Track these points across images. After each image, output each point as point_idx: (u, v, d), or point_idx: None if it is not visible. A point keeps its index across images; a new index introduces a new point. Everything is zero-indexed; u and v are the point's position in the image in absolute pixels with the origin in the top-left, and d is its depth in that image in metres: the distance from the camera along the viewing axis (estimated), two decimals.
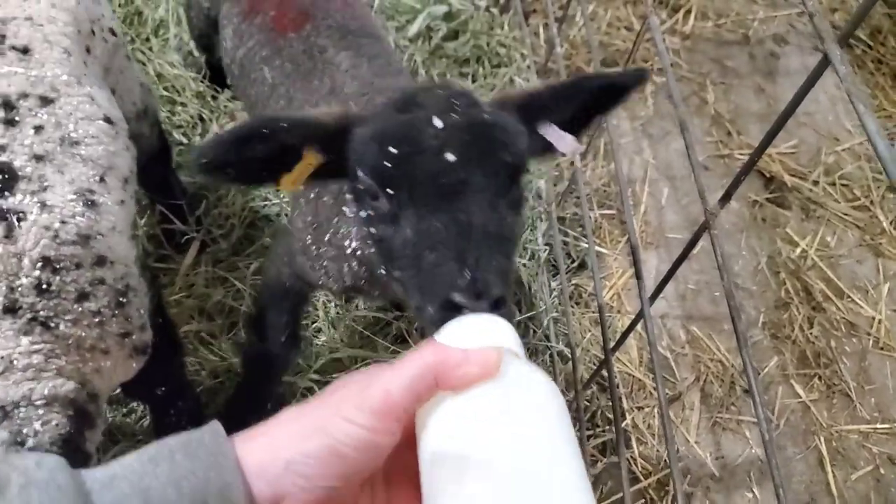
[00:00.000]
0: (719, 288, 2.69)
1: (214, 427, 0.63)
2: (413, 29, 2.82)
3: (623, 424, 2.29)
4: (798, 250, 2.79)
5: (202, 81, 2.59)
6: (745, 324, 2.63)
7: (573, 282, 2.51)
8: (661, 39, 1.59)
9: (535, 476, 0.56)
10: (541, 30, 3.17)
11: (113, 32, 1.66)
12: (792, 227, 2.86)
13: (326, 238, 1.54)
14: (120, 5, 2.72)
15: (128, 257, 1.37)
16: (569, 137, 1.23)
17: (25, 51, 1.35)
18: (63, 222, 1.20)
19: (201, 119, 2.53)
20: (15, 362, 1.12)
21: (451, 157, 1.05)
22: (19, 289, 1.13)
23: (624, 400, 2.39)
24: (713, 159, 3.03)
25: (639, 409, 2.40)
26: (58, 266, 1.18)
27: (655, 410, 2.38)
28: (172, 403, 1.88)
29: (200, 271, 2.26)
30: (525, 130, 1.18)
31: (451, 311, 0.96)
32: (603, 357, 2.41)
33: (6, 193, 1.16)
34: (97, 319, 1.24)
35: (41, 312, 1.15)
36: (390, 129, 1.11)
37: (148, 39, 2.67)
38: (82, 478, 0.57)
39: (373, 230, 1.16)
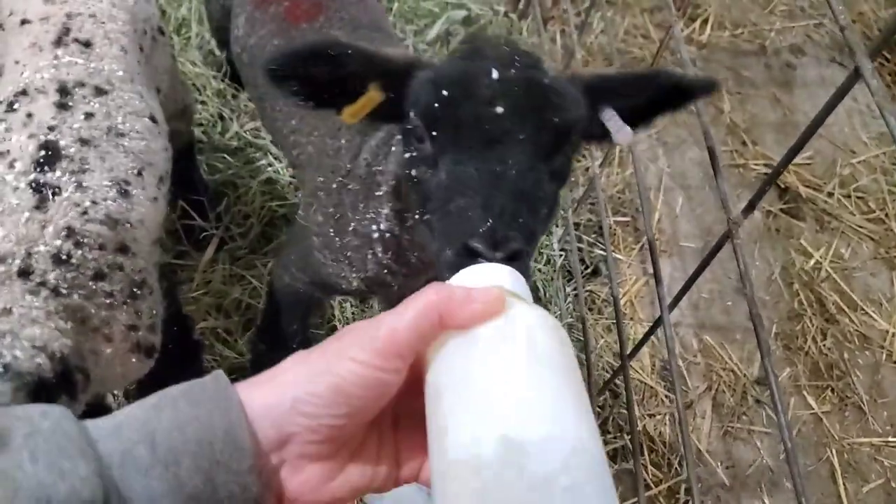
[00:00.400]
0: (732, 297, 2.69)
1: (217, 374, 0.63)
2: (432, 33, 2.84)
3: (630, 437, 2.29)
4: (812, 262, 2.78)
5: (223, 80, 2.61)
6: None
7: (587, 288, 2.52)
8: (685, 49, 1.60)
9: (539, 407, 0.56)
10: (557, 36, 3.18)
11: (161, 31, 1.72)
12: (806, 239, 2.86)
13: (351, 227, 1.55)
14: None
15: (150, 256, 1.40)
16: (626, 128, 1.21)
17: (88, 44, 1.42)
18: (94, 202, 1.26)
19: (221, 117, 2.55)
20: (14, 311, 1.13)
21: (499, 108, 1.05)
22: (36, 255, 1.18)
23: (636, 407, 2.39)
24: (728, 169, 3.03)
25: (650, 416, 2.40)
26: (81, 240, 1.22)
27: (667, 418, 2.39)
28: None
29: (218, 268, 2.28)
30: (584, 103, 1.17)
31: (468, 257, 0.96)
32: (617, 363, 2.42)
33: (46, 168, 1.23)
34: (108, 301, 1.26)
35: (52, 281, 1.18)
36: (447, 73, 1.12)
37: (170, 37, 2.69)
38: (87, 427, 0.57)
39: (413, 172, 1.16)
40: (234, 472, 0.58)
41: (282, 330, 1.86)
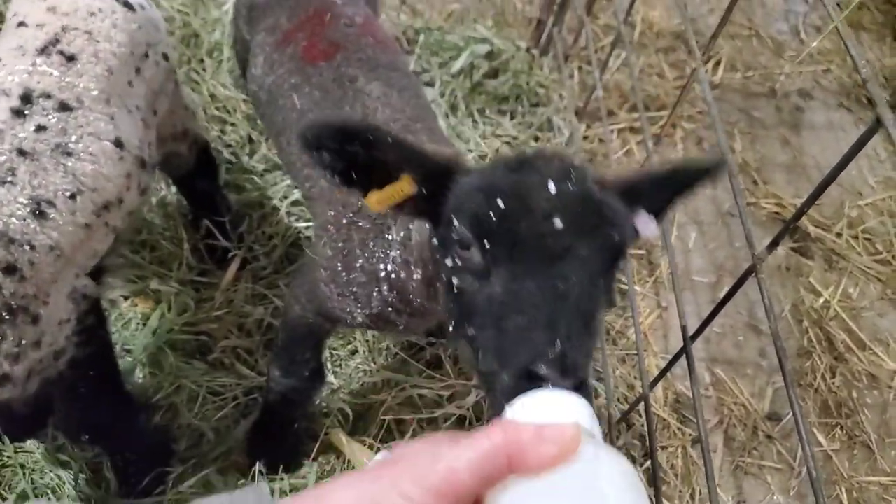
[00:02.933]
0: (744, 332, 2.74)
1: (260, 486, 0.60)
2: (456, 66, 2.92)
3: (647, 465, 2.31)
4: (821, 300, 2.83)
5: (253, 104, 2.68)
6: (768, 369, 2.67)
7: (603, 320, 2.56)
8: (709, 92, 1.67)
9: None
10: (576, 73, 3.27)
11: (166, 57, 1.76)
12: (815, 277, 2.91)
13: (358, 264, 1.55)
14: (178, 27, 2.82)
15: (57, 288, 1.35)
16: (653, 223, 1.21)
17: (72, 58, 1.44)
18: (10, 216, 1.25)
19: (250, 140, 2.62)
20: None
21: (559, 222, 1.01)
22: None
23: (646, 441, 2.41)
24: (737, 207, 3.10)
25: (662, 448, 2.42)
26: (13, 238, 1.22)
27: (679, 451, 2.41)
28: (134, 445, 1.87)
29: (241, 287, 2.32)
30: (629, 214, 1.16)
31: (530, 382, 0.88)
32: (630, 395, 2.45)
33: None
34: None
35: None
36: (502, 183, 1.08)
37: (202, 61, 2.77)
38: None
39: (456, 280, 1.11)
40: None
41: (294, 358, 1.88)
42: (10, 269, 1.24)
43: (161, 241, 2.33)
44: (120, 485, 1.89)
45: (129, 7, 1.61)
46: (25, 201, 1.28)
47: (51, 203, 1.31)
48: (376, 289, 1.54)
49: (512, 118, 2.93)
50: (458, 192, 1.13)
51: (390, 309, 1.56)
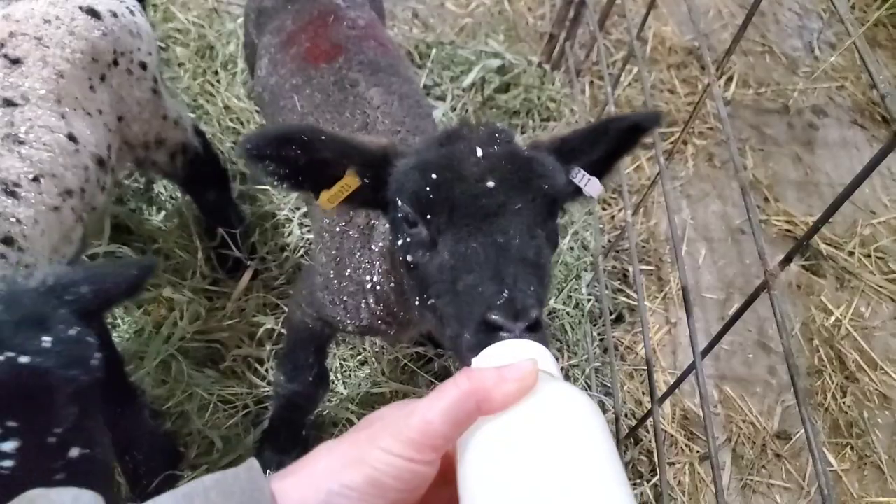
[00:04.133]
0: (753, 350, 2.72)
1: (250, 464, 0.62)
2: (467, 80, 2.94)
3: (655, 480, 2.29)
4: (832, 319, 2.81)
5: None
6: (778, 388, 2.65)
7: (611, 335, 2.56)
8: (723, 108, 1.67)
9: (581, 497, 0.55)
10: (587, 88, 3.29)
11: (143, 67, 1.79)
12: (826, 296, 2.89)
13: (348, 273, 1.57)
14: (193, 39, 2.87)
15: (49, 262, 1.45)
16: (595, 181, 1.26)
17: (16, 61, 1.53)
18: None
19: None
20: None
21: (490, 183, 1.09)
22: None
23: (656, 455, 2.40)
24: (749, 223, 3.09)
25: (670, 464, 2.41)
26: None
27: (686, 467, 2.39)
28: (145, 449, 1.88)
29: (252, 297, 2.33)
30: (562, 170, 1.21)
31: (488, 333, 0.96)
32: (638, 410, 2.44)
33: None
34: None
35: None
36: (433, 157, 1.15)
37: (217, 73, 2.81)
38: None
39: (409, 258, 1.17)
40: None
41: (298, 363, 1.90)
42: (8, 241, 1.35)
43: (175, 250, 2.35)
44: (132, 487, 1.90)
45: (94, 15, 1.66)
46: None
47: (17, 184, 1.42)
48: (363, 300, 1.56)
49: (523, 132, 2.95)
50: (396, 174, 1.19)
51: (379, 322, 1.58)
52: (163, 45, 2.86)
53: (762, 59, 3.74)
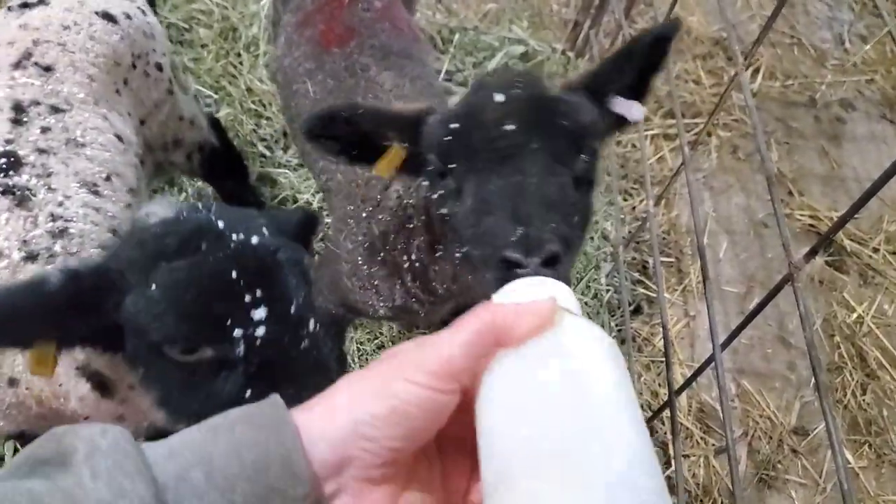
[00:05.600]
0: (772, 344, 2.69)
1: (274, 399, 0.62)
2: (490, 66, 2.92)
3: (669, 472, 2.29)
4: (854, 315, 2.77)
5: None
6: (797, 383, 2.63)
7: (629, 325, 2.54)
8: (749, 98, 1.65)
9: (596, 430, 0.55)
10: None
11: (159, 68, 1.80)
12: (849, 292, 2.85)
13: (380, 256, 1.57)
14: (217, 21, 2.87)
15: None
16: (635, 104, 1.26)
17: (48, 69, 1.53)
18: (67, 197, 1.37)
19: (284, 134, 2.65)
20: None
21: (509, 126, 1.09)
22: (34, 240, 1.29)
23: (671, 447, 2.39)
24: (772, 217, 3.05)
25: (685, 457, 2.40)
26: (69, 219, 1.33)
27: (701, 460, 2.38)
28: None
29: None
30: (591, 106, 1.22)
31: (507, 270, 0.97)
32: (654, 402, 2.43)
33: (12, 173, 1.35)
34: None
35: (59, 250, 1.29)
36: (456, 109, 1.18)
37: (239, 55, 2.81)
38: (143, 449, 0.57)
39: (443, 210, 1.20)
40: (290, 499, 0.57)
41: None
42: (114, 231, 1.41)
43: None
44: None
45: (111, 19, 1.66)
46: (78, 184, 1.41)
47: (95, 184, 1.44)
48: (399, 281, 1.57)
49: None
50: (426, 130, 1.22)
51: (413, 300, 1.59)
52: (186, 26, 2.87)
53: (790, 50, 3.67)
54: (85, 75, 1.56)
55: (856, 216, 1.35)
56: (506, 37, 3.06)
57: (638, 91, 1.28)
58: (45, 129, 1.44)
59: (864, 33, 3.81)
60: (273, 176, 2.53)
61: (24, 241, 1.28)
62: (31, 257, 1.27)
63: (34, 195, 1.33)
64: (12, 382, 1.26)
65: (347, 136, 1.23)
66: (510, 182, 1.06)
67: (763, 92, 3.44)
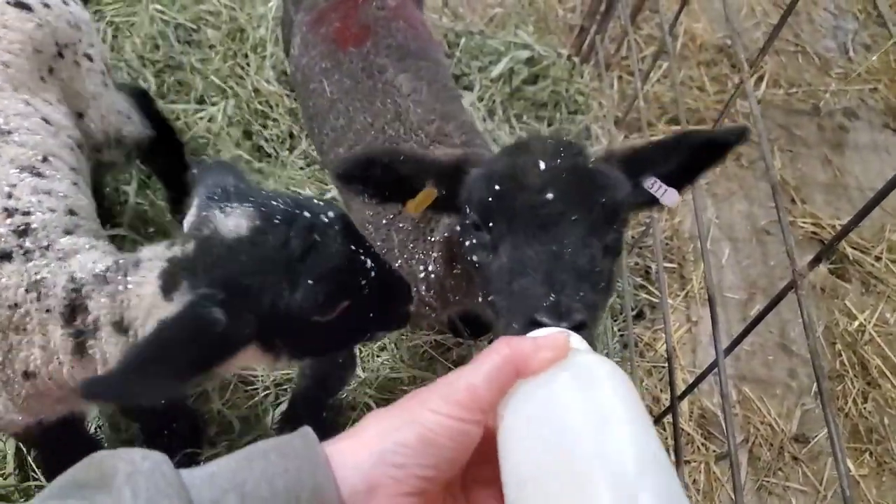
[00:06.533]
0: (774, 351, 2.70)
1: (305, 431, 0.65)
2: (495, 71, 2.93)
3: None
4: (856, 323, 2.78)
5: (295, 100, 2.72)
6: (798, 390, 2.63)
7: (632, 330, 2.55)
8: (755, 106, 1.66)
9: (615, 456, 0.58)
10: (615, 82, 3.26)
11: (90, 58, 1.79)
12: (851, 300, 2.85)
13: (398, 263, 1.62)
14: (224, 22, 2.88)
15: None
16: (671, 191, 1.31)
17: None
18: (13, 185, 1.35)
19: (291, 135, 2.66)
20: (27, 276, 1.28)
21: (549, 194, 1.15)
22: (1, 239, 1.28)
23: (673, 452, 2.39)
24: (775, 225, 3.06)
25: (686, 462, 2.41)
26: (30, 210, 1.33)
27: (702, 466, 2.38)
28: (166, 425, 1.93)
29: None
30: (626, 181, 1.27)
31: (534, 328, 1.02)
32: (656, 407, 2.43)
33: None
34: None
35: (30, 245, 1.29)
36: (497, 170, 1.24)
37: (247, 56, 2.82)
38: (182, 474, 0.59)
39: (474, 258, 1.27)
40: None
41: None
42: (73, 212, 1.41)
43: None
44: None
45: (24, 7, 1.65)
46: (17, 170, 1.40)
47: (34, 167, 1.43)
48: (413, 289, 1.57)
49: (549, 125, 2.93)
50: (467, 184, 1.29)
51: (426, 308, 1.64)
52: (194, 26, 2.88)
53: (794, 58, 3.69)
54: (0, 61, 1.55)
55: (858, 224, 1.36)
56: (511, 41, 3.07)
57: (678, 180, 1.33)
58: None
59: (868, 42, 3.82)
60: (277, 176, 2.54)
61: None
62: (5, 256, 1.26)
63: None
64: (28, 375, 1.28)
65: (382, 179, 1.29)
66: (547, 249, 1.13)
67: (767, 100, 3.45)
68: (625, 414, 0.61)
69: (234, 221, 1.17)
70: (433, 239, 1.57)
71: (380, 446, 0.62)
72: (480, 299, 1.31)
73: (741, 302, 2.78)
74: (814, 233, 3.02)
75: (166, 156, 2.24)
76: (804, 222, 3.05)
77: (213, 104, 2.65)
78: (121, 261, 1.26)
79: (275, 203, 1.19)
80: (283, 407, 2.12)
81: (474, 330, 2.34)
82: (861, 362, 2.68)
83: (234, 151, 2.54)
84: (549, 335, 0.68)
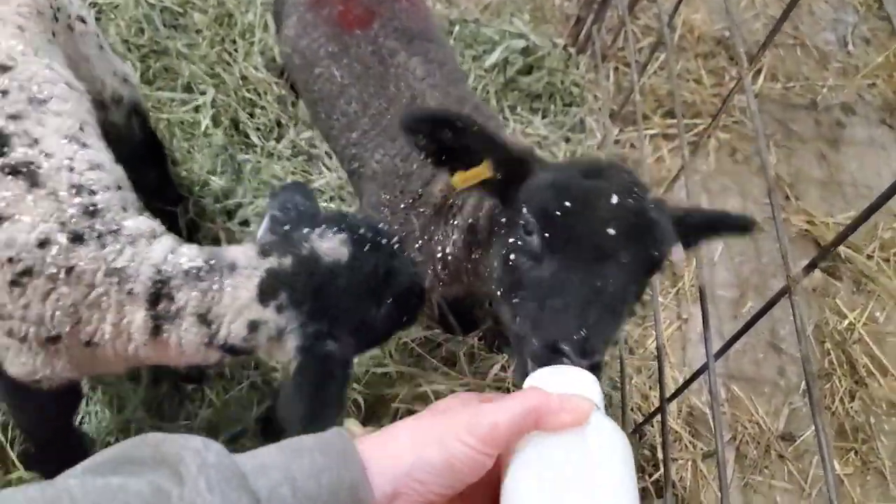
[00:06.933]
0: (764, 350, 2.69)
1: (340, 430, 0.71)
2: (490, 60, 2.88)
3: (657, 476, 2.29)
4: (846, 322, 2.77)
5: (291, 87, 2.66)
6: (786, 389, 2.63)
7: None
8: (753, 101, 1.63)
9: None
10: (611, 74, 3.22)
11: (82, 20, 1.74)
12: (841, 299, 2.85)
13: (417, 245, 1.64)
14: (212, 6, 2.82)
15: None
16: (680, 247, 1.34)
17: None
18: (70, 158, 1.32)
19: (279, 124, 2.61)
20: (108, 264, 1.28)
21: (612, 230, 1.16)
22: (72, 220, 1.25)
23: (659, 451, 2.39)
24: (769, 221, 3.02)
25: (673, 460, 2.40)
26: (93, 189, 1.30)
27: (689, 464, 2.38)
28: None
29: None
30: (676, 239, 1.30)
31: (553, 353, 1.06)
32: (644, 404, 2.42)
33: (6, 150, 1.27)
34: None
35: (100, 228, 1.27)
36: (573, 186, 1.22)
37: (235, 42, 2.76)
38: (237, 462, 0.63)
39: (512, 256, 1.26)
40: None
41: None
42: (119, 185, 1.40)
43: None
44: None
45: None
46: (66, 141, 1.35)
47: (78, 138, 1.38)
48: (430, 268, 1.65)
49: (544, 117, 2.89)
50: (532, 183, 1.27)
51: (440, 284, 1.68)
52: (180, 10, 2.82)
53: (793, 51, 3.65)
54: (14, 26, 1.48)
55: (850, 220, 1.36)
56: (506, 30, 3.01)
57: (687, 238, 1.36)
58: (4, 93, 1.35)
59: (867, 36, 3.79)
60: (263, 165, 2.50)
61: (63, 224, 1.24)
62: (77, 239, 1.24)
63: (39, 168, 1.27)
64: (90, 345, 1.30)
65: (446, 141, 1.27)
66: (592, 282, 1.13)
67: (764, 93, 3.42)
68: (618, 491, 0.69)
69: (329, 245, 1.30)
70: (455, 223, 1.59)
71: (410, 459, 0.69)
72: (500, 293, 1.30)
73: (732, 300, 2.76)
74: (806, 230, 3.00)
75: (153, 168, 2.19)
76: (797, 219, 3.03)
77: (202, 92, 2.59)
78: (213, 261, 1.30)
79: (355, 225, 1.34)
80: (271, 401, 2.10)
81: (465, 326, 2.32)
82: (849, 361, 2.68)
83: (220, 142, 2.48)
84: (577, 399, 0.73)
